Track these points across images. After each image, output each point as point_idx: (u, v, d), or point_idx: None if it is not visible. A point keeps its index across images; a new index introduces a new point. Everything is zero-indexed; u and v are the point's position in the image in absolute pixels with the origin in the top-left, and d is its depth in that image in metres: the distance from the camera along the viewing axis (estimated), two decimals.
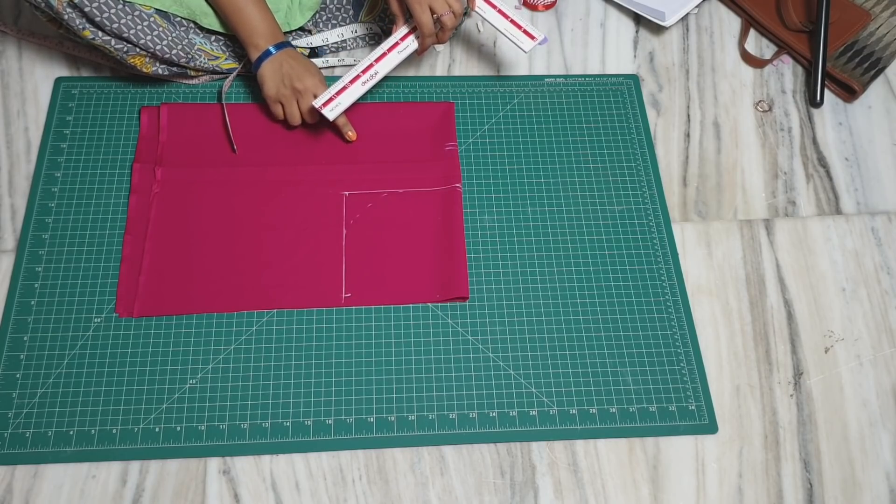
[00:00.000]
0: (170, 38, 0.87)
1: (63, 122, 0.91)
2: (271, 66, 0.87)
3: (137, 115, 0.92)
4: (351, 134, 0.91)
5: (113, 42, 0.84)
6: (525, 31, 0.90)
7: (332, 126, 0.91)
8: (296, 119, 0.90)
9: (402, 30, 0.89)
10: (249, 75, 0.95)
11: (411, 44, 0.89)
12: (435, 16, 0.85)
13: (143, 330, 0.79)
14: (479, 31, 1.03)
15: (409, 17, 0.88)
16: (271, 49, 0.87)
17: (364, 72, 0.88)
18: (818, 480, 0.77)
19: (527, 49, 0.89)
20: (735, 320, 0.85)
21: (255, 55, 0.88)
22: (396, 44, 0.89)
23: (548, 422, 0.77)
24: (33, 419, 0.75)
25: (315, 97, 0.87)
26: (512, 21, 0.90)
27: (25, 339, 0.78)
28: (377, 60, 0.89)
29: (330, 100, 0.87)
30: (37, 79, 0.95)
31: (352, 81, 0.88)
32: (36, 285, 0.81)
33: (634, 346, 0.82)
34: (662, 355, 0.82)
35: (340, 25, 0.99)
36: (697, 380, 0.80)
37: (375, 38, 1.01)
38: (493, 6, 0.91)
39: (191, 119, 0.91)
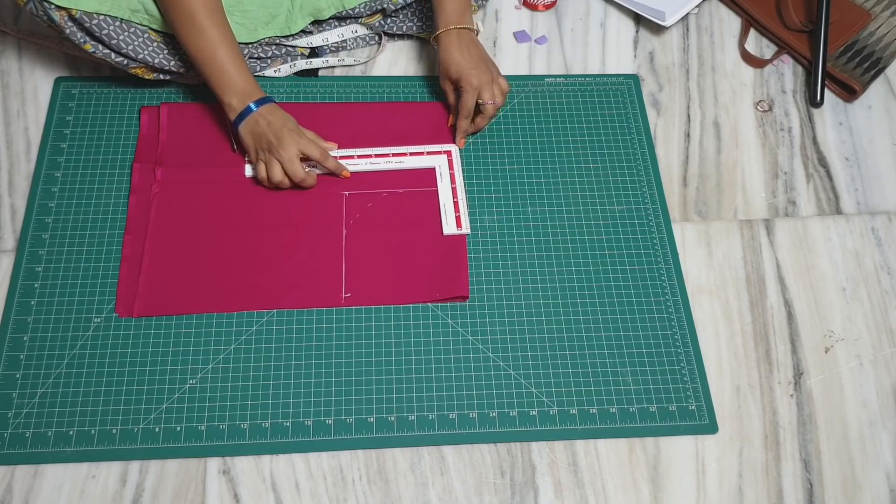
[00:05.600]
0: (166, 52, 0.88)
1: (63, 122, 0.91)
2: (247, 126, 0.83)
3: (137, 115, 0.92)
4: (346, 173, 0.87)
5: (113, 56, 0.85)
6: (458, 218, 0.86)
7: (332, 126, 0.91)
8: (278, 178, 0.84)
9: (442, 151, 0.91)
10: None
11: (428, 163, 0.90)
12: (480, 102, 0.87)
13: (143, 330, 0.79)
14: (478, 31, 1.03)
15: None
16: (252, 106, 0.82)
17: (380, 156, 0.89)
18: (818, 480, 0.77)
19: (446, 231, 0.85)
20: (735, 320, 0.85)
21: (231, 115, 0.84)
22: (432, 154, 0.90)
23: (548, 422, 0.77)
24: (33, 419, 0.74)
25: (297, 157, 0.83)
26: (455, 202, 0.87)
27: (25, 339, 0.78)
28: (404, 154, 0.90)
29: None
30: (37, 79, 0.95)
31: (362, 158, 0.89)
32: (36, 285, 0.81)
33: (634, 346, 0.82)
34: (662, 355, 0.81)
35: (341, 25, 0.99)
36: (697, 380, 0.80)
37: (376, 38, 1.01)
38: (454, 178, 0.89)
39: (191, 119, 0.91)
